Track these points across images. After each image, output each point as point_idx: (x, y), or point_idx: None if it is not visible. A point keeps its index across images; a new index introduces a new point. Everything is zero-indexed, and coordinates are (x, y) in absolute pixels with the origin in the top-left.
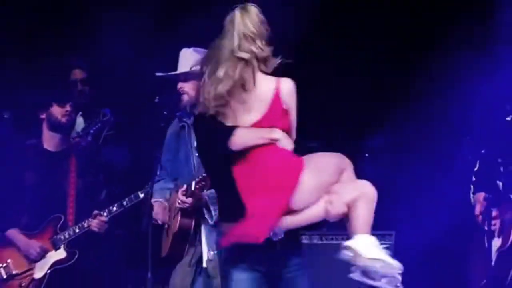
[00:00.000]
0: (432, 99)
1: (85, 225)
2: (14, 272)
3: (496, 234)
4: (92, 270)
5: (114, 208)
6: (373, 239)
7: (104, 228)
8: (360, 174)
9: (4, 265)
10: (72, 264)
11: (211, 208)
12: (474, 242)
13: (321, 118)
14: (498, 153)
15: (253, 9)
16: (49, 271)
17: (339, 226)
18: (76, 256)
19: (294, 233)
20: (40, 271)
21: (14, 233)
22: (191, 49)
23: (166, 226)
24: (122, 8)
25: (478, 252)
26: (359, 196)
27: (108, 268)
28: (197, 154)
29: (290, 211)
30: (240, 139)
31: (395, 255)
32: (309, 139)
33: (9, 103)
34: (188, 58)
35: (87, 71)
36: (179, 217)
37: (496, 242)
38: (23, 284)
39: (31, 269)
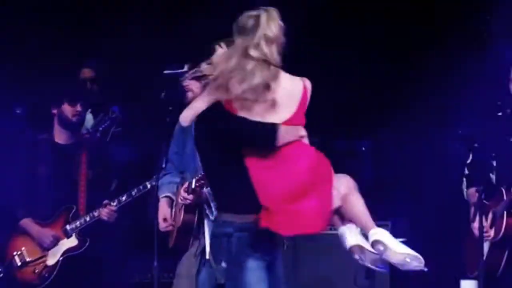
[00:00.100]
0: (427, 96)
1: (96, 214)
2: (28, 259)
3: (488, 225)
4: (101, 257)
5: (123, 198)
6: (388, 232)
7: (113, 217)
8: (358, 167)
9: (19, 252)
10: (83, 251)
11: (211, 205)
12: (466, 233)
13: (320, 113)
14: (491, 147)
15: (277, 15)
16: (61, 258)
17: None
18: (87, 244)
19: None
20: (53, 258)
21: (27, 223)
22: None
23: (171, 223)
24: (130, 8)
25: (470, 243)
26: (350, 191)
27: (117, 256)
28: None
29: None
30: (284, 136)
31: None
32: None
33: (22, 99)
34: None
35: (96, 70)
36: (182, 212)
37: (489, 233)
38: (37, 271)
39: (44, 256)
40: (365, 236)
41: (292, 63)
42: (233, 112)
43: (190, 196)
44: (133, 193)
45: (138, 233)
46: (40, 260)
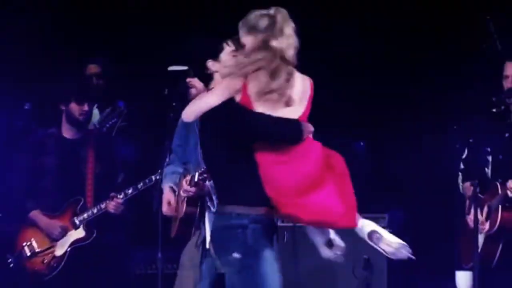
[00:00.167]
0: (424, 92)
1: (103, 206)
2: (37, 250)
3: (484, 218)
4: (108, 248)
5: (130, 191)
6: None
7: (120, 210)
8: (355, 161)
9: (28, 243)
10: (90, 242)
11: (213, 197)
12: (462, 226)
13: (321, 109)
14: (486, 142)
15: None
16: (69, 248)
17: None
18: (94, 235)
19: None
20: (61, 248)
21: (36, 215)
22: None
23: (174, 211)
24: (136, 5)
25: (466, 236)
26: None
27: (123, 247)
28: None
29: None
30: (306, 132)
31: None
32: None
33: (30, 95)
34: None
35: (102, 65)
36: (185, 204)
37: (484, 226)
38: (45, 261)
39: (53, 247)
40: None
41: None
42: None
43: (193, 189)
44: (139, 186)
45: (144, 225)
46: (49, 251)
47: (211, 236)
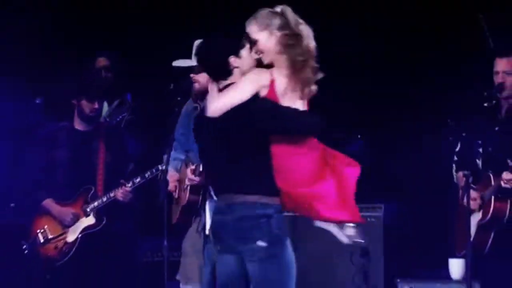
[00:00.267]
0: (424, 92)
1: (112, 195)
2: (50, 236)
3: (477, 208)
4: (117, 236)
5: (137, 180)
6: None
7: (128, 198)
8: (353, 154)
9: (42, 230)
10: (100, 229)
11: None
12: (455, 214)
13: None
14: (477, 136)
15: None
16: (80, 235)
17: None
18: (104, 222)
19: None
20: (72, 235)
21: (49, 203)
22: None
23: (176, 196)
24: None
25: (459, 224)
26: None
27: (131, 234)
28: None
29: None
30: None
31: (384, 226)
32: None
33: (42, 91)
34: None
35: (110, 59)
36: (188, 192)
37: (477, 215)
38: (58, 247)
39: (65, 233)
40: None
41: None
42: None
43: (197, 178)
44: (146, 175)
45: (150, 215)
46: (61, 237)
47: (227, 225)
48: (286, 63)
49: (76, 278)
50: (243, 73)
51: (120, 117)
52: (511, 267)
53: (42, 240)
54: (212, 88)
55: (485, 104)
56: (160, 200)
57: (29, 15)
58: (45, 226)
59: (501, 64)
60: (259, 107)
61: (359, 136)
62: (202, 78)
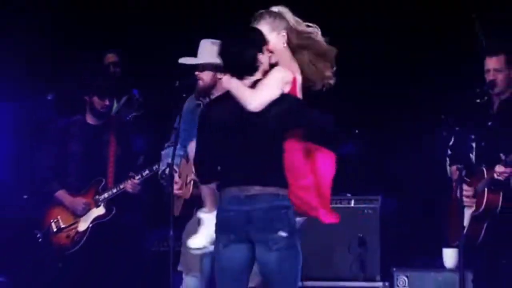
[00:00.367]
0: (424, 92)
1: (121, 186)
2: (62, 226)
3: (469, 201)
4: (126, 226)
5: (146, 172)
6: None
7: (137, 189)
8: (352, 149)
9: (55, 220)
10: (110, 220)
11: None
12: (449, 207)
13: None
14: (470, 131)
15: None
16: (91, 224)
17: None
18: (113, 213)
19: None
20: (84, 224)
21: (62, 194)
22: (210, 42)
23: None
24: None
25: (452, 216)
26: None
27: (139, 224)
28: None
29: None
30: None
31: (380, 218)
32: None
33: (54, 87)
34: (209, 50)
35: (119, 55)
36: (191, 187)
37: (470, 207)
38: (70, 236)
39: (76, 223)
40: None
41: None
42: None
43: None
44: (154, 168)
45: (158, 206)
46: (73, 226)
47: (247, 215)
48: (293, 63)
49: (86, 266)
50: (264, 70)
51: (130, 116)
52: (502, 256)
53: (55, 229)
54: (239, 84)
55: (478, 101)
56: (166, 192)
57: (38, 13)
58: (58, 216)
59: (491, 63)
60: (294, 105)
61: (356, 131)
62: (206, 76)
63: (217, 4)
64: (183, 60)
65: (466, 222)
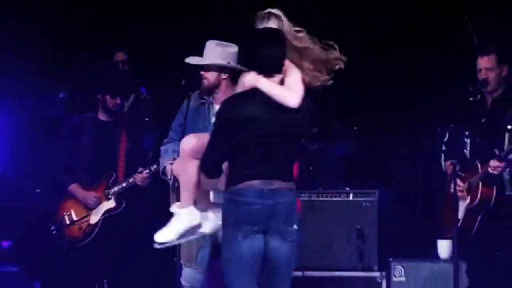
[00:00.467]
0: (424, 92)
1: (131, 180)
2: (75, 218)
3: (464, 194)
4: (135, 219)
5: (154, 167)
6: None
7: (146, 183)
8: (351, 144)
9: (68, 213)
10: (120, 214)
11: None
12: (443, 200)
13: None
14: (464, 127)
15: None
16: (102, 217)
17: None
18: (123, 206)
19: None
20: (95, 217)
21: (75, 188)
22: (215, 43)
23: (176, 184)
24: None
25: (447, 209)
26: None
27: (148, 218)
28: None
29: None
30: None
31: (378, 210)
32: None
33: (67, 85)
34: (214, 51)
35: (127, 54)
36: None
37: (465, 201)
38: (82, 228)
39: (88, 215)
40: None
41: None
42: None
43: None
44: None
45: (165, 199)
46: (85, 219)
47: (271, 208)
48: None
49: (97, 257)
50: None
51: (141, 113)
52: (495, 247)
53: (68, 222)
54: (270, 82)
55: (471, 99)
56: (171, 186)
57: (38, 13)
58: (71, 209)
59: (482, 62)
60: (313, 106)
61: (355, 128)
62: (211, 76)
63: (218, 3)
64: (189, 60)
65: (461, 214)
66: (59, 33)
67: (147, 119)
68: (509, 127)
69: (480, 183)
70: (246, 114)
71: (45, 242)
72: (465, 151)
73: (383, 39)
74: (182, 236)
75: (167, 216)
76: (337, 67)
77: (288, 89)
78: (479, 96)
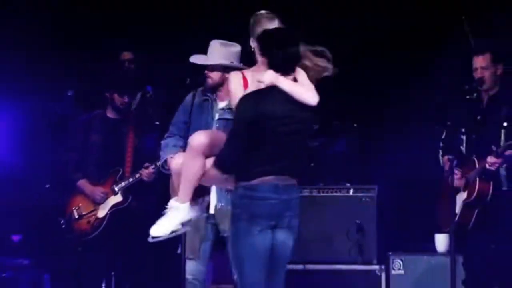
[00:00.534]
0: (419, 89)
1: (137, 176)
2: (83, 213)
3: (461, 189)
4: (141, 212)
5: (159, 162)
6: None
7: (152, 178)
8: (350, 141)
9: (77, 208)
10: (126, 206)
11: None
12: (441, 195)
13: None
14: (461, 125)
15: None
16: (109, 211)
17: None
18: (129, 200)
19: None
20: (102, 211)
21: (83, 183)
22: (219, 43)
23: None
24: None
25: (444, 203)
26: None
27: (154, 212)
28: (217, 125)
29: None
30: None
31: (377, 205)
32: None
33: (74, 84)
34: (218, 51)
35: (133, 52)
36: None
37: (462, 196)
38: (90, 222)
39: (96, 210)
40: None
41: None
42: None
43: None
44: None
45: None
46: (93, 213)
47: (286, 203)
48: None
49: (104, 250)
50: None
51: (148, 111)
52: (491, 241)
53: (76, 216)
54: (289, 81)
55: (467, 97)
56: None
57: (38, 13)
58: (79, 204)
59: (478, 61)
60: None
61: (355, 125)
62: (215, 75)
63: (218, 3)
64: (194, 60)
65: (458, 209)
66: (59, 33)
67: (149, 106)
68: (505, 124)
69: (477, 179)
70: (266, 111)
71: (55, 236)
72: (461, 147)
73: (383, 39)
74: (174, 231)
75: None
76: (324, 74)
77: (309, 88)
78: (475, 94)
